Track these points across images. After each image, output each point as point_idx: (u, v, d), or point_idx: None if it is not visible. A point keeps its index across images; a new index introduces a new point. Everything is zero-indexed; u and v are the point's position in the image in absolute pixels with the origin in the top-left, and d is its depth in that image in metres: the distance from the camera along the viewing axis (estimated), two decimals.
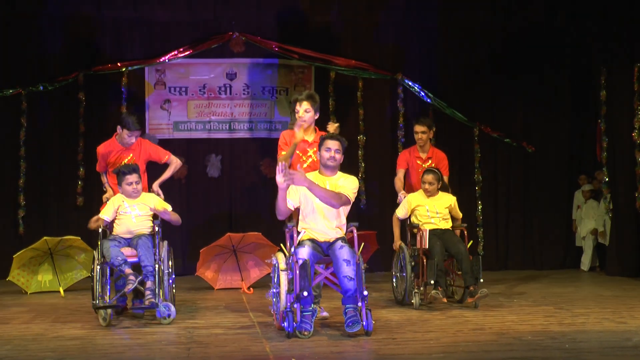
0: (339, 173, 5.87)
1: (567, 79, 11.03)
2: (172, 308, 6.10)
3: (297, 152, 6.35)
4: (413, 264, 6.96)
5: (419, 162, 7.81)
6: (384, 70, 10.73)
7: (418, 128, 7.77)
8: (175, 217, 6.58)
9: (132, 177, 6.43)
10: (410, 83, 10.68)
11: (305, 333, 5.25)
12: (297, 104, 6.37)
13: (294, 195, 5.70)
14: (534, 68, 10.99)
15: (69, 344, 5.14)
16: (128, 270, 6.08)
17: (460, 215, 7.40)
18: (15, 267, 8.27)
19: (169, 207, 6.55)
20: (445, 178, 7.57)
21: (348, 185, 5.77)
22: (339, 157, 5.77)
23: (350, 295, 5.31)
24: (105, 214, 6.44)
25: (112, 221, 6.48)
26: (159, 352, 4.84)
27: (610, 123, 9.93)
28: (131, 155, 6.94)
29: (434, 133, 7.91)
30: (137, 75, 10.43)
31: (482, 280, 6.76)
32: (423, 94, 10.67)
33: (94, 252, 6.31)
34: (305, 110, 6.33)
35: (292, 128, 6.58)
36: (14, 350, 4.90)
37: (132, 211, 6.42)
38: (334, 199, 5.58)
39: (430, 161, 7.77)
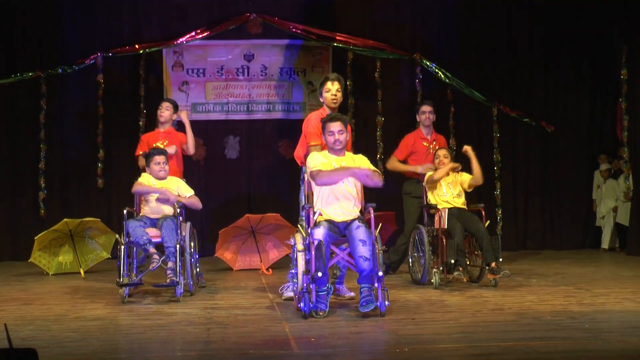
0: (347, 153, 5.82)
1: (587, 57, 10.91)
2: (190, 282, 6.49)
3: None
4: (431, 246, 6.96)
5: (425, 143, 7.81)
6: (402, 51, 10.67)
7: (426, 108, 7.86)
8: (194, 201, 6.82)
9: (160, 158, 6.76)
10: (428, 63, 10.61)
11: (321, 313, 5.27)
12: (329, 82, 6.21)
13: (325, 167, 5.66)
14: (554, 47, 10.88)
15: (90, 324, 5.19)
16: (152, 250, 6.31)
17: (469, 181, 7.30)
18: (37, 249, 8.35)
19: (191, 192, 6.82)
20: None
21: (365, 163, 5.72)
22: (343, 137, 5.68)
23: (365, 275, 5.31)
24: (143, 179, 6.74)
25: (140, 203, 6.78)
26: (179, 332, 4.87)
27: (632, 102, 9.82)
28: (166, 141, 7.41)
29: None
30: (155, 57, 10.45)
31: (501, 259, 6.74)
32: (441, 73, 10.59)
33: (117, 236, 6.55)
34: (337, 90, 6.22)
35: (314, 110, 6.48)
36: (36, 331, 4.96)
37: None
38: (377, 178, 5.56)
39: (434, 143, 7.78)
